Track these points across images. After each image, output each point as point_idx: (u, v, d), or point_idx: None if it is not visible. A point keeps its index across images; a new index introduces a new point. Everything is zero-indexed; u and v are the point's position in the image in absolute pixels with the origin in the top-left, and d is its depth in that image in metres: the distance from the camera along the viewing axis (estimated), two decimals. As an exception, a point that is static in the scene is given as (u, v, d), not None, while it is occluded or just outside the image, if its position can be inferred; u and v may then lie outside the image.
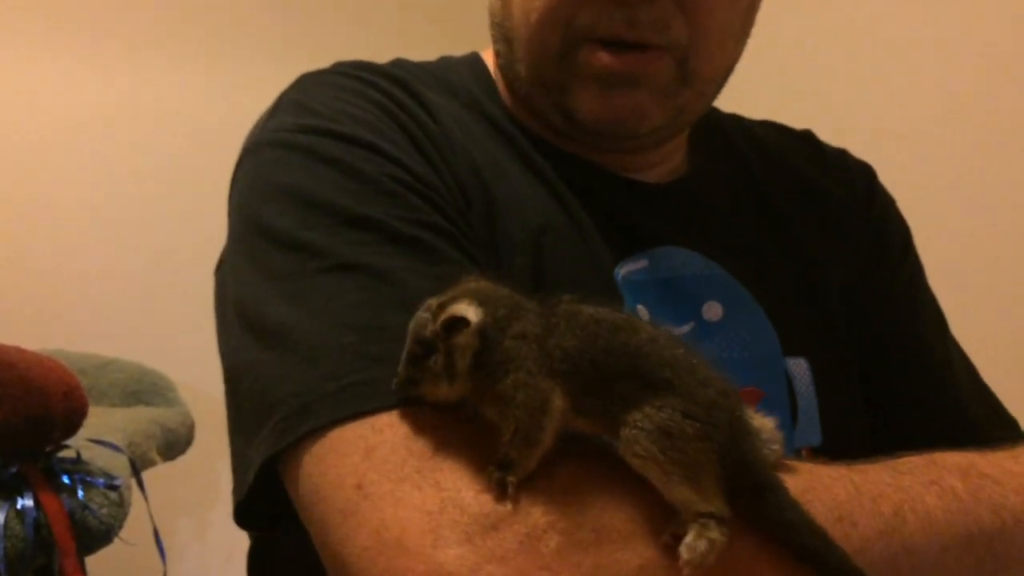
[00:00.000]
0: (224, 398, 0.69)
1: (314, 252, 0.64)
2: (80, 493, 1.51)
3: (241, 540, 0.80)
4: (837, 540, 0.53)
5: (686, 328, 0.78)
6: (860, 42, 1.98)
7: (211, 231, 0.97)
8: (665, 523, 0.51)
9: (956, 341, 0.93)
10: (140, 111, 2.71)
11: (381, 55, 0.85)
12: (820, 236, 0.88)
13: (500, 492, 0.52)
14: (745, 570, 0.52)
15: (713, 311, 0.80)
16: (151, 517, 1.71)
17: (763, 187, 0.89)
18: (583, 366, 0.53)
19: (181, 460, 2.12)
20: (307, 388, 0.59)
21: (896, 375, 0.87)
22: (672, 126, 0.80)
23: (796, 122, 0.99)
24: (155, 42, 2.72)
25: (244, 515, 0.66)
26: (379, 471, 0.54)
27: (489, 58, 0.87)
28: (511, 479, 0.52)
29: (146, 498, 1.72)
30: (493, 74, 0.86)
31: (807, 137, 0.98)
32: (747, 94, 1.00)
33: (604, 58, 0.74)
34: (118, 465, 1.65)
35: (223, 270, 0.75)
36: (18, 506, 1.42)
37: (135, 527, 1.64)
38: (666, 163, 0.86)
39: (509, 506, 0.51)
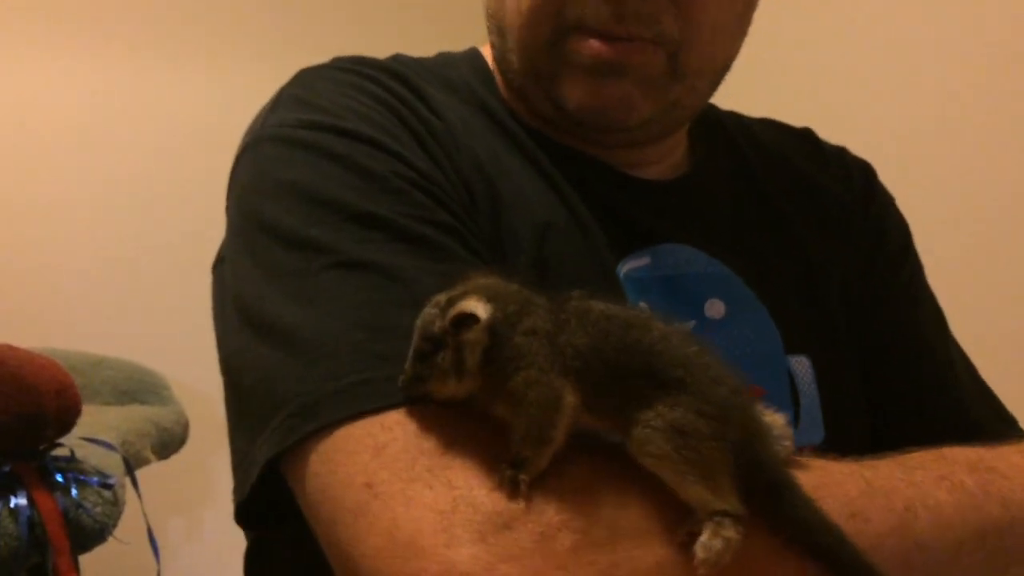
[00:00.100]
0: (223, 396, 0.69)
1: (319, 249, 0.64)
2: (74, 492, 1.50)
3: (235, 539, 0.79)
4: (850, 537, 0.53)
5: (688, 326, 0.78)
6: (860, 42, 1.99)
7: (205, 229, 0.96)
8: (679, 521, 0.51)
9: (955, 340, 0.93)
10: (139, 111, 2.71)
11: (381, 54, 0.85)
12: (820, 234, 0.88)
13: (513, 490, 0.51)
14: (759, 569, 0.52)
15: (715, 309, 0.79)
16: (145, 516, 1.71)
17: (763, 185, 0.89)
18: (595, 363, 0.52)
19: (175, 459, 2.12)
20: (314, 386, 0.58)
21: (897, 376, 0.87)
22: (664, 121, 0.80)
23: (796, 121, 0.99)
24: (155, 42, 2.73)
25: (245, 514, 0.65)
26: (389, 470, 0.53)
27: (488, 53, 0.86)
28: (523, 477, 0.51)
29: (140, 497, 1.72)
30: (492, 69, 0.85)
31: (806, 135, 0.98)
32: (747, 93, 1.00)
33: (593, 45, 0.73)
34: (112, 464, 1.64)
35: (221, 267, 0.74)
36: (11, 505, 1.42)
37: (129, 526, 1.63)
38: (667, 160, 0.86)
39: (522, 504, 0.51)
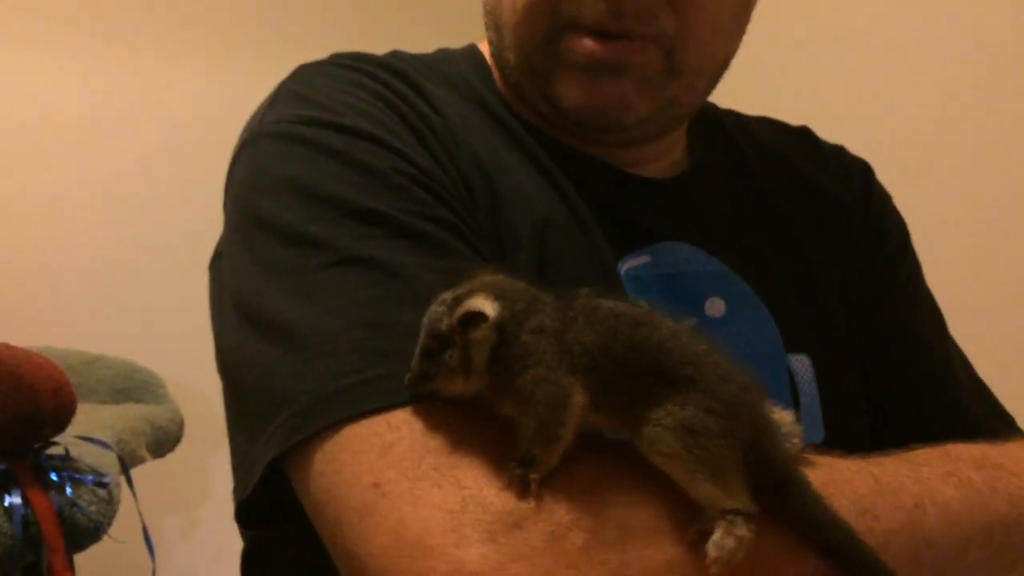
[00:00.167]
0: (222, 392, 0.68)
1: (318, 245, 0.63)
2: (69, 490, 1.49)
3: (231, 538, 0.78)
4: (860, 534, 0.53)
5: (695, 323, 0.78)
6: (860, 42, 1.98)
7: (201, 229, 0.95)
8: (689, 520, 0.51)
9: (953, 340, 0.93)
10: (139, 111, 2.70)
11: (380, 52, 0.84)
12: (819, 233, 0.88)
13: (523, 489, 0.51)
14: (772, 566, 0.52)
15: (715, 307, 0.79)
16: (140, 514, 1.70)
17: (762, 183, 0.89)
18: (603, 362, 0.52)
19: (170, 457, 2.12)
20: (317, 385, 0.58)
21: (896, 375, 0.87)
22: (661, 119, 0.79)
23: (795, 120, 0.99)
24: (155, 42, 2.72)
25: (245, 514, 0.65)
26: (396, 469, 0.53)
27: (486, 49, 0.86)
28: (533, 476, 0.51)
29: (135, 495, 1.71)
30: (490, 65, 0.85)
31: (804, 133, 0.97)
32: (746, 92, 1.00)
33: (588, 45, 0.73)
34: (107, 462, 1.63)
35: (219, 263, 0.73)
36: (6, 503, 1.41)
37: (124, 524, 1.62)
38: (665, 158, 0.86)
39: (532, 503, 0.51)
